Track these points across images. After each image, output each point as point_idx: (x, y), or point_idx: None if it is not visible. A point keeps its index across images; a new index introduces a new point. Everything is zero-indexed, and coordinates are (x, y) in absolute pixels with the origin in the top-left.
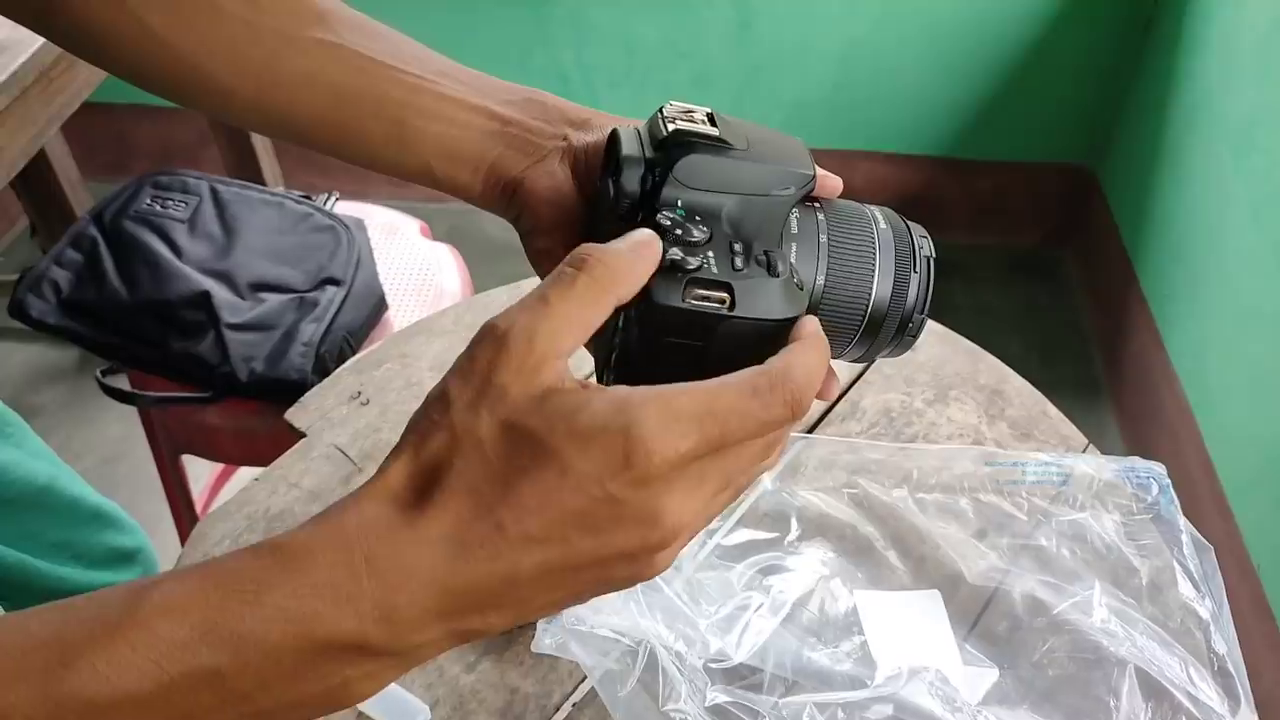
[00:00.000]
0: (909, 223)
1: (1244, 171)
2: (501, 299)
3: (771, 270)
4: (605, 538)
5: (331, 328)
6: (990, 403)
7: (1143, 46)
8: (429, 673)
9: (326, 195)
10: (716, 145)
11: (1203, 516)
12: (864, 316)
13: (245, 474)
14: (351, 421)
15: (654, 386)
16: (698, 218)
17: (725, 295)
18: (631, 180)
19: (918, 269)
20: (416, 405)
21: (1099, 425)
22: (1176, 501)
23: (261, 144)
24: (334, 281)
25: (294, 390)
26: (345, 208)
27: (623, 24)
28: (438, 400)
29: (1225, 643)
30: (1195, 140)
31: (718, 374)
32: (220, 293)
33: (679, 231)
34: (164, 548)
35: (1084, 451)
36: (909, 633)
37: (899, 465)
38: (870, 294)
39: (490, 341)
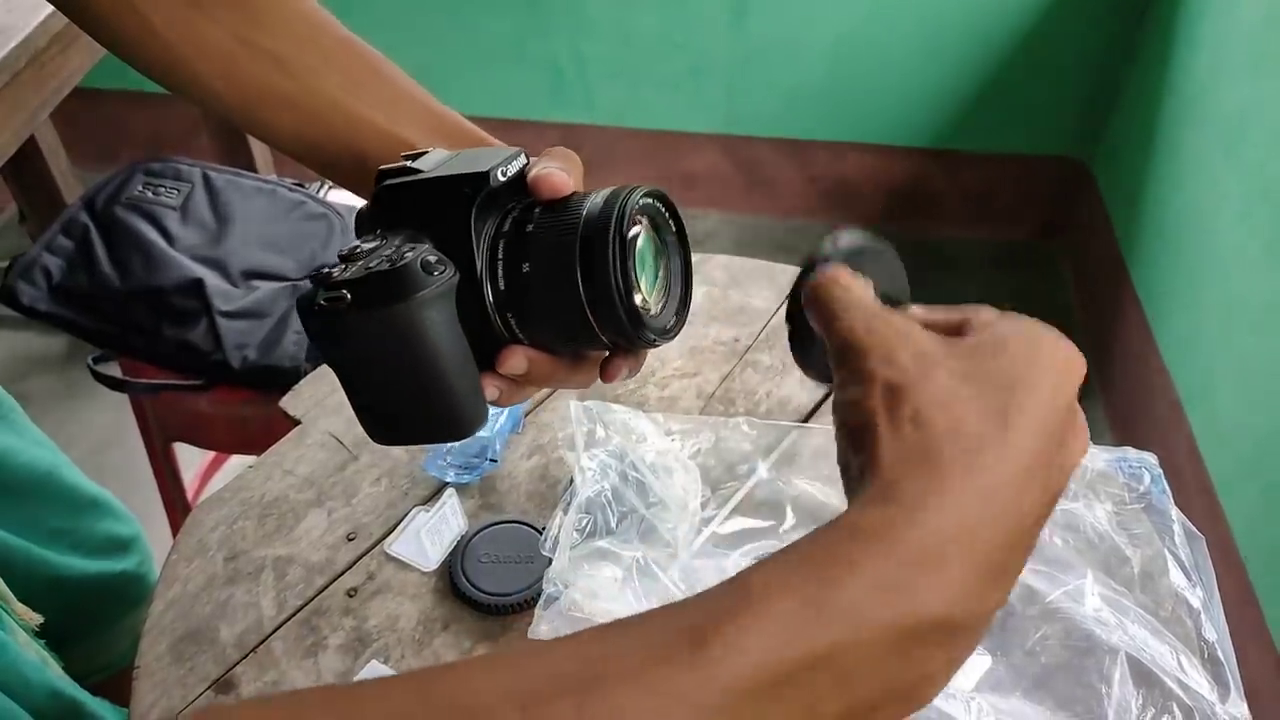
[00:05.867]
0: (633, 196)
1: (1235, 165)
2: None
3: (395, 263)
4: (1065, 446)
5: None
6: None
7: (1135, 39)
8: (424, 658)
9: (319, 183)
10: (404, 174)
11: (1191, 508)
12: (579, 306)
13: (236, 462)
14: (346, 408)
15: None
16: (385, 238)
17: (345, 293)
18: (362, 231)
19: (613, 253)
20: None
21: (1089, 417)
22: (1168, 491)
23: None
24: None
25: (287, 378)
26: (338, 196)
27: (619, 14)
28: (871, 393)
29: (1216, 631)
30: (1187, 134)
31: (377, 364)
32: (213, 280)
33: (343, 251)
34: (155, 536)
35: None
36: None
37: None
38: (576, 288)
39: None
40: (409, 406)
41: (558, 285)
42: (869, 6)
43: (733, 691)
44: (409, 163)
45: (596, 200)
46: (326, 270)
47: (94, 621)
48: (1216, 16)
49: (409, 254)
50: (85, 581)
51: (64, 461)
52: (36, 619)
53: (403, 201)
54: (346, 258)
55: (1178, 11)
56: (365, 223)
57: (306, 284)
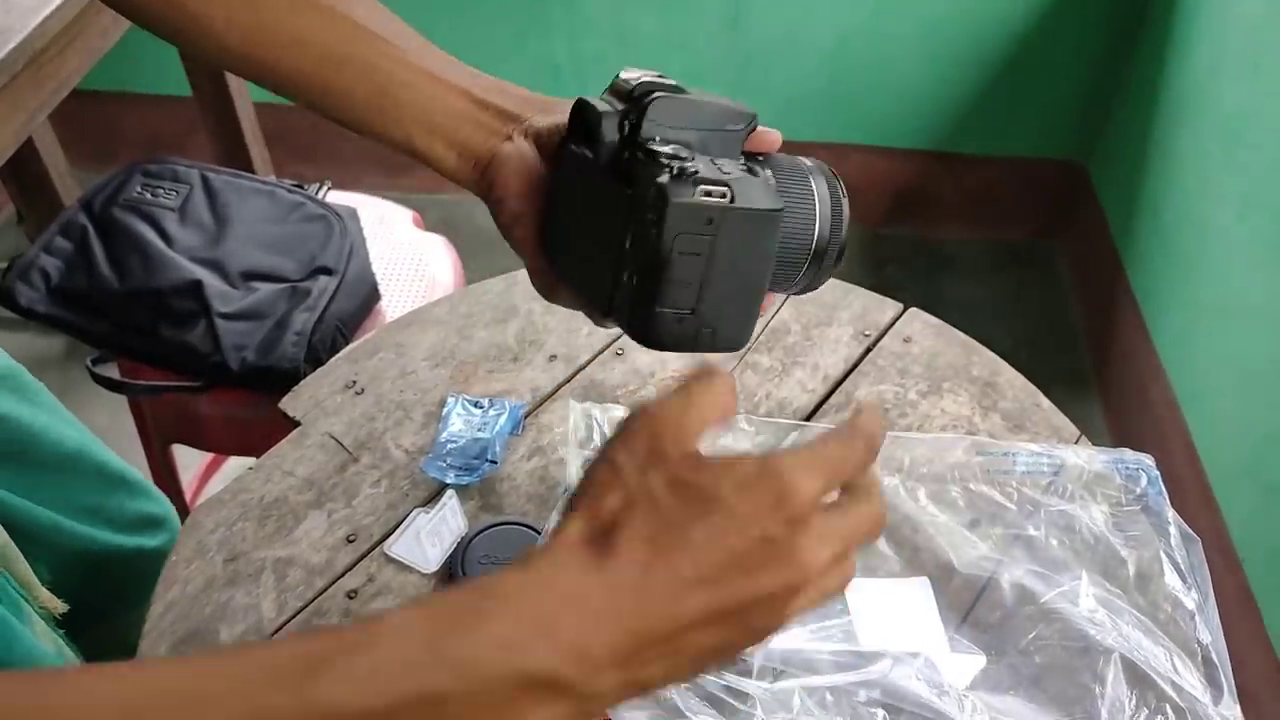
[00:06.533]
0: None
1: (1232, 167)
2: (496, 288)
3: (752, 173)
4: (755, 578)
5: (324, 317)
6: (983, 395)
7: (1134, 42)
8: None
9: (318, 185)
10: (676, 89)
11: (1188, 508)
12: (811, 245)
13: (235, 464)
14: (346, 410)
15: (785, 449)
16: (686, 148)
17: (726, 189)
18: (610, 130)
19: (846, 206)
20: (411, 394)
21: (1086, 418)
22: (1165, 493)
23: (251, 133)
24: (326, 271)
25: (286, 380)
26: (337, 197)
27: (617, 15)
28: (605, 467)
29: (1210, 633)
30: (1185, 135)
31: (725, 267)
32: (212, 281)
33: (669, 149)
34: None
35: (1075, 443)
36: (897, 619)
37: (892, 454)
38: (814, 225)
39: (647, 418)
40: (719, 308)
41: (799, 224)
42: (869, 9)
43: (338, 718)
44: (665, 79)
45: (803, 160)
46: (678, 167)
47: (126, 597)
48: (1213, 19)
49: (754, 167)
50: (119, 555)
51: (93, 439)
52: (60, 607)
53: (678, 111)
54: (671, 157)
55: (1175, 14)
56: (603, 120)
57: (306, 285)
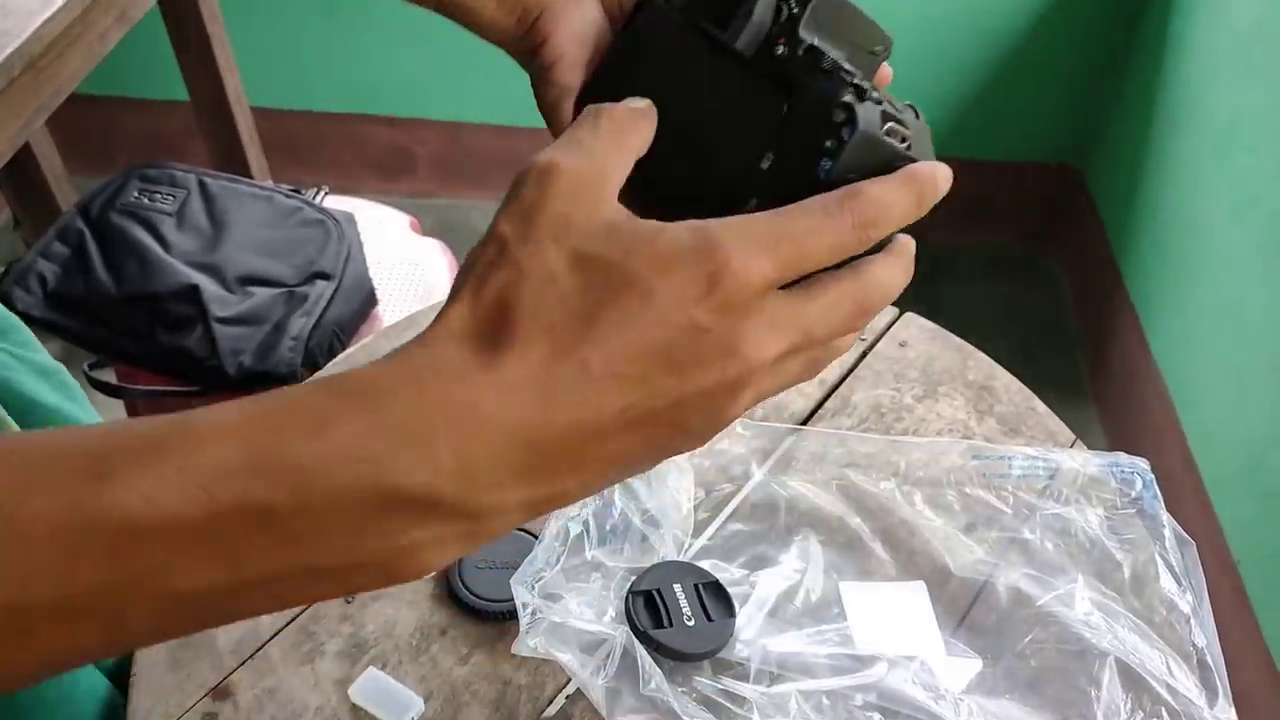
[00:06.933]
0: None
1: (1227, 170)
2: None
3: (918, 117)
4: (687, 374)
5: (321, 322)
6: (979, 399)
7: (1128, 45)
8: (422, 665)
9: (315, 190)
10: None
11: (1184, 512)
12: None
13: None
14: None
15: (727, 217)
16: (847, 66)
17: (906, 134)
18: (764, 11)
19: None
20: None
21: (1082, 422)
22: (1160, 496)
23: (249, 137)
24: (324, 276)
25: (283, 384)
26: (334, 202)
27: None
28: (489, 242)
29: (1205, 636)
30: (1180, 139)
31: None
32: (209, 286)
33: (847, 65)
34: None
35: (1071, 447)
36: (893, 623)
37: (888, 459)
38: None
39: (535, 176)
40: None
41: None
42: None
43: (129, 531)
44: None
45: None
46: (871, 93)
47: None
48: (1207, 24)
49: (918, 114)
50: None
51: None
52: None
53: (835, 16)
54: (849, 73)
55: (1169, 19)
56: (774, 2)
57: (303, 290)
